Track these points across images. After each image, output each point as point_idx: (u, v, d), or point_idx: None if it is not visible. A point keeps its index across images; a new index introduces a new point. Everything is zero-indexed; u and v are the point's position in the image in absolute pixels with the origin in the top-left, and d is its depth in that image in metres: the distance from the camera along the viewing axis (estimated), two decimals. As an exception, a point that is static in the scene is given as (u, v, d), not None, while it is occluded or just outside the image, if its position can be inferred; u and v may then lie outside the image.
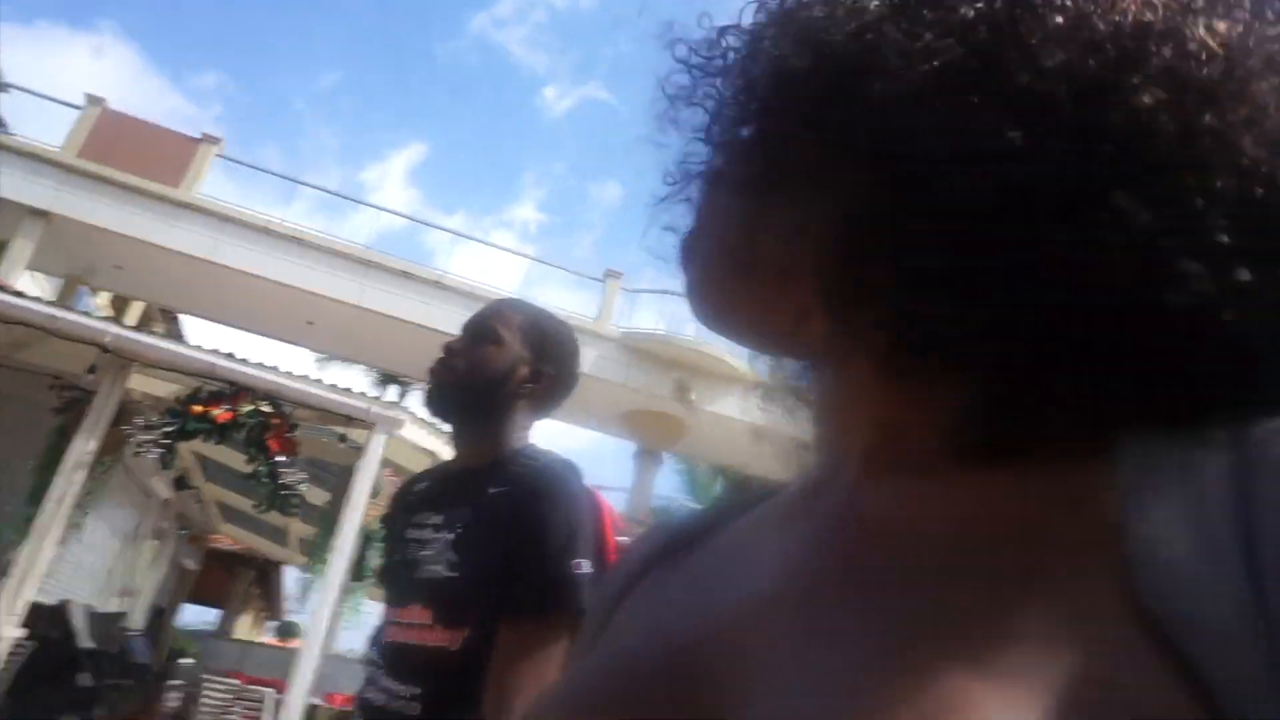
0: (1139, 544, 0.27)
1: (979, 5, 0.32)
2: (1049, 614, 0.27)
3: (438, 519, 1.48)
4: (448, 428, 1.62)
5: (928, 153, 0.31)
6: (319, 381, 7.44)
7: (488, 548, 1.40)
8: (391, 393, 19.27)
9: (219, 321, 13.74)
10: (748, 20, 0.41)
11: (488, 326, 1.59)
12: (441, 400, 1.57)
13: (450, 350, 1.59)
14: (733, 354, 13.72)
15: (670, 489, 19.62)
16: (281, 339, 13.80)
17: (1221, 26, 0.30)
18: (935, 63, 0.32)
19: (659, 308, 14.61)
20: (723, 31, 0.42)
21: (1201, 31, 0.30)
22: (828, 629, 0.31)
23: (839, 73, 0.34)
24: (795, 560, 0.36)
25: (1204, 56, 0.29)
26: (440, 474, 1.68)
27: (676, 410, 13.69)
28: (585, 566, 1.34)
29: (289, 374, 6.90)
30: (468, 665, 1.33)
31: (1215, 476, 0.27)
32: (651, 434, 14.57)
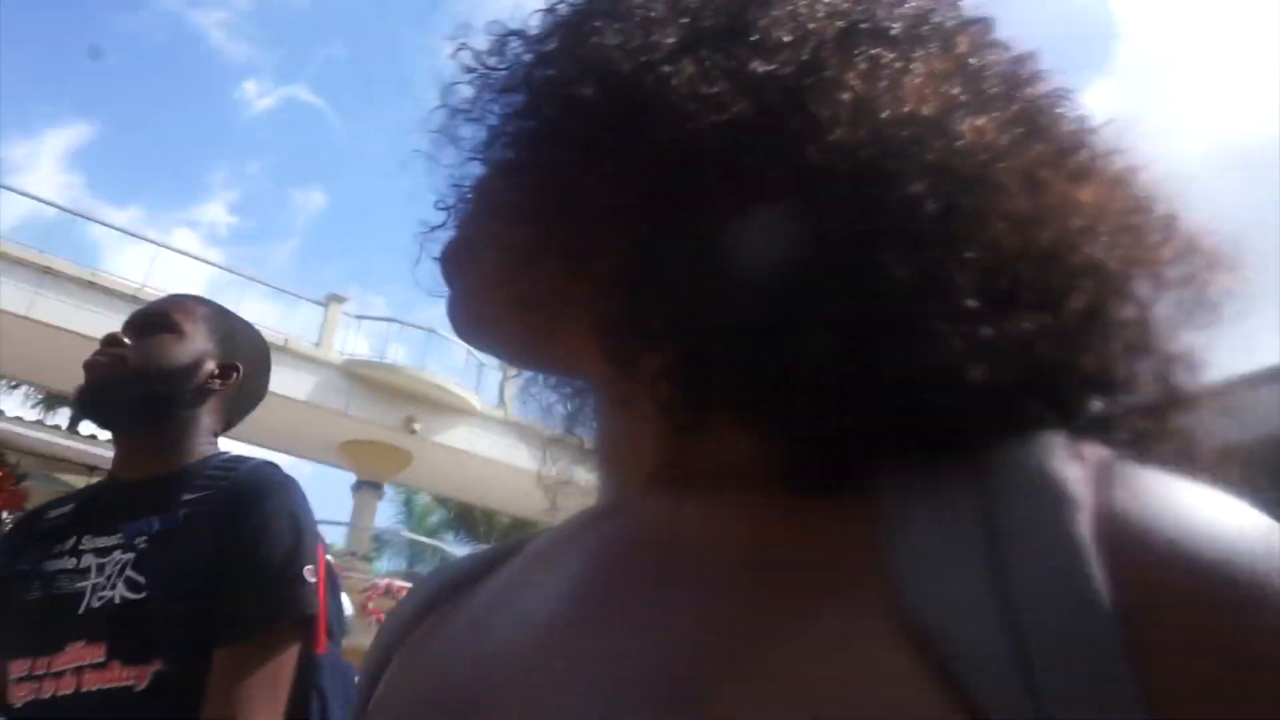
0: (903, 568, 0.28)
1: (771, 66, 0.33)
2: (816, 633, 0.28)
3: (104, 540, 1.22)
4: (108, 434, 1.37)
5: (708, 203, 0.33)
6: (55, 428, 6.44)
7: (188, 560, 1.16)
8: (62, 417, 16.86)
9: None
10: (532, 27, 0.41)
11: (163, 316, 1.35)
12: (104, 399, 1.30)
13: (113, 341, 1.31)
14: (461, 386, 13.60)
15: (391, 520, 18.92)
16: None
17: (980, 122, 0.33)
18: (724, 116, 0.33)
19: (384, 334, 14.15)
20: (505, 40, 0.41)
21: (965, 126, 0.33)
22: (595, 657, 0.32)
23: (627, 106, 0.35)
24: (565, 595, 0.36)
25: (966, 150, 0.32)
26: (97, 493, 1.39)
27: (400, 441, 13.28)
28: (313, 575, 1.16)
29: (17, 419, 5.93)
30: (159, 706, 1.10)
31: (967, 505, 0.29)
32: (372, 465, 13.99)
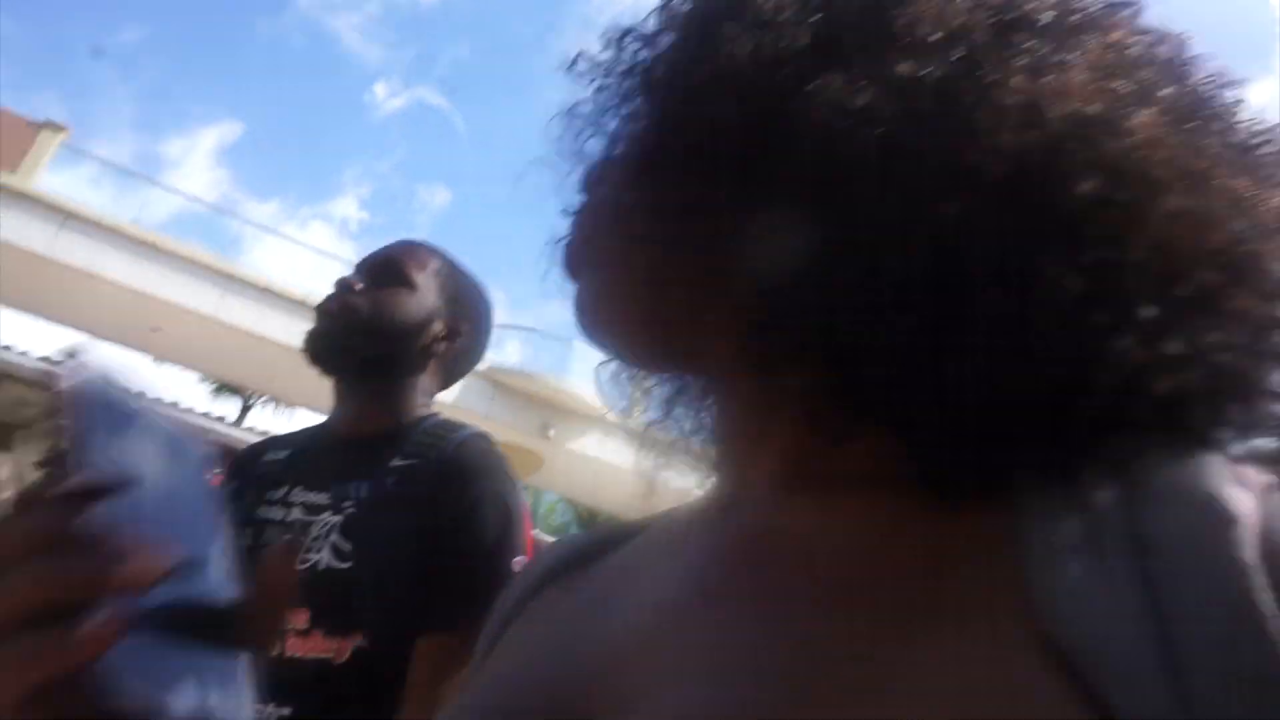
0: (1048, 586, 0.27)
1: (924, 69, 0.31)
2: (955, 647, 0.27)
3: (316, 497, 1.17)
4: (331, 381, 1.31)
5: (863, 213, 0.31)
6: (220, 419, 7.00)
7: (394, 534, 1.10)
8: (231, 406, 18.32)
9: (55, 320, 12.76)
10: (650, 28, 0.39)
11: (398, 266, 1.30)
12: (333, 345, 1.26)
13: (348, 287, 1.28)
14: (594, 395, 13.84)
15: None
16: (125, 343, 12.99)
17: (1148, 116, 0.31)
18: (877, 129, 0.31)
19: (523, 343, 14.74)
20: (623, 40, 0.40)
21: (1135, 122, 0.30)
22: (721, 655, 0.31)
23: (770, 123, 0.33)
24: (690, 584, 0.36)
25: (1137, 147, 0.30)
26: (312, 441, 1.32)
27: (534, 444, 13.79)
28: (522, 566, 1.04)
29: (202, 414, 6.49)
30: (358, 682, 1.04)
31: (1118, 523, 0.28)
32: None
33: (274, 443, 1.37)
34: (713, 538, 0.38)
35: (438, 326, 1.30)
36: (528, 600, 0.45)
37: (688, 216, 0.36)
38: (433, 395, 1.32)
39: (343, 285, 1.28)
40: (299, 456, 1.28)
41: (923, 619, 0.29)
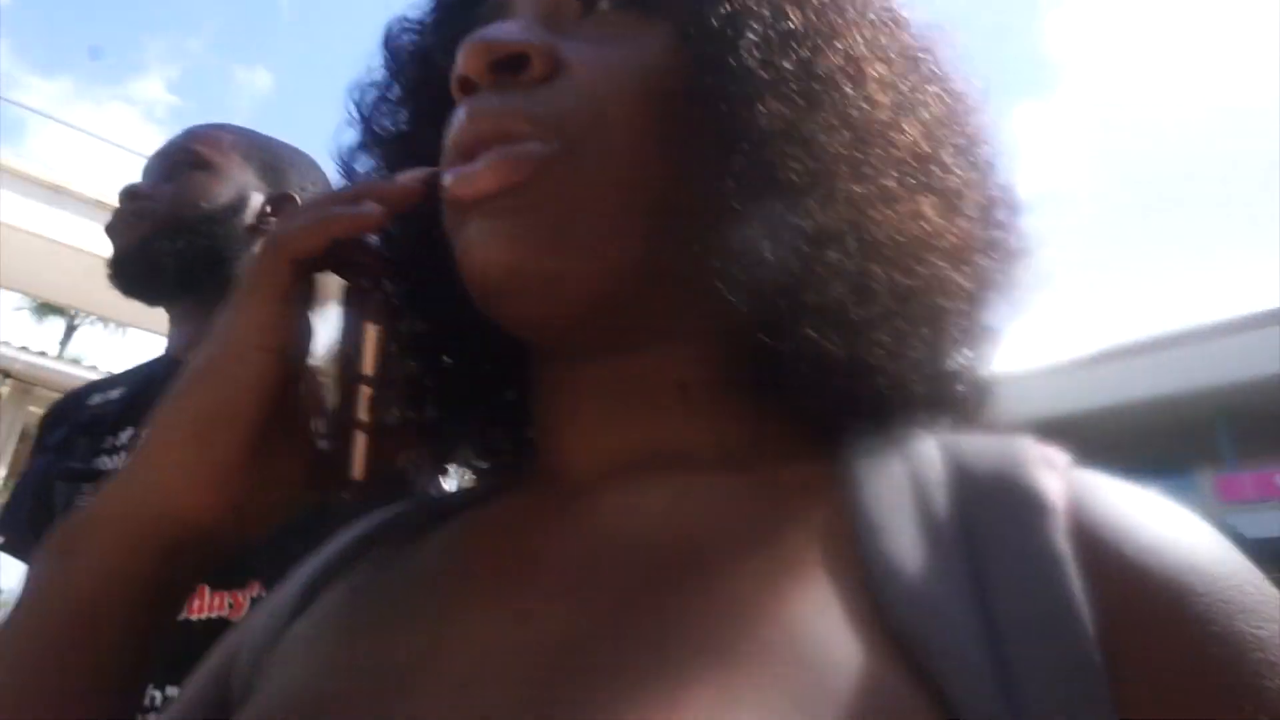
0: (879, 567, 0.28)
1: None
2: (796, 619, 0.28)
3: None
4: (157, 308, 1.13)
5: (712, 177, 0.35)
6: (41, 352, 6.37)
7: None
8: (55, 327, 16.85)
9: None
10: None
11: (186, 153, 1.12)
12: (138, 266, 1.07)
13: (133, 194, 1.10)
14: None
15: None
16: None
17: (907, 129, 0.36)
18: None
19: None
20: None
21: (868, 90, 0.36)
22: (553, 642, 0.31)
23: None
24: (510, 580, 0.35)
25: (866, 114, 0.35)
26: (150, 376, 1.13)
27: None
28: None
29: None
30: None
31: (943, 505, 0.30)
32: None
33: (99, 385, 1.17)
34: (537, 530, 0.37)
35: (257, 200, 1.10)
36: (339, 568, 0.43)
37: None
38: None
39: (127, 194, 1.09)
40: (137, 395, 1.08)
41: (778, 588, 0.29)
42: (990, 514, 0.29)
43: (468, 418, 0.46)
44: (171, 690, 0.86)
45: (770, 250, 0.33)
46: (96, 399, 1.14)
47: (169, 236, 1.07)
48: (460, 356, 0.45)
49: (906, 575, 0.28)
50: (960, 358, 0.38)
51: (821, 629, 0.27)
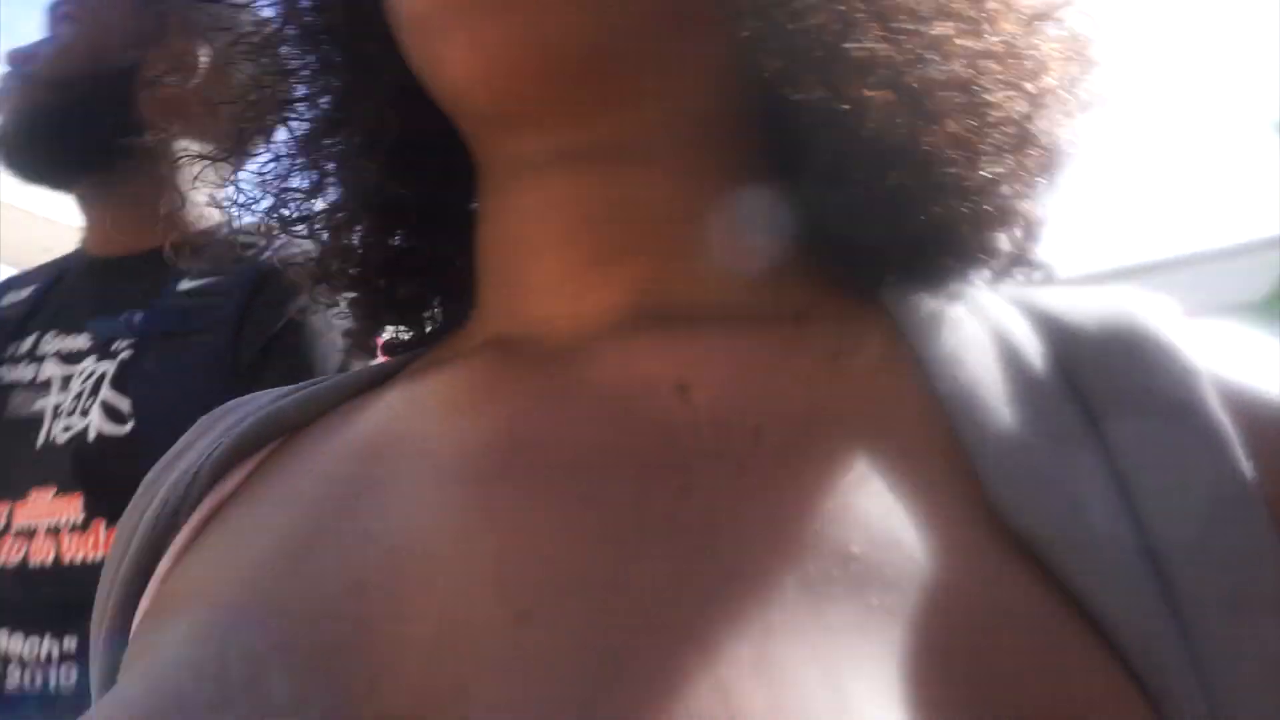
0: (980, 449, 0.22)
1: None
2: (892, 513, 0.21)
3: (72, 342, 0.86)
4: (63, 195, 0.97)
5: None
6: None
7: (193, 374, 0.79)
8: None
9: None
10: None
11: (53, 11, 0.93)
12: (23, 135, 0.91)
13: (17, 58, 0.93)
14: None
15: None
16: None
17: None
18: None
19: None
20: None
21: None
22: (581, 554, 0.22)
23: None
24: (495, 471, 0.25)
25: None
26: (59, 273, 0.97)
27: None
28: None
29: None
30: None
31: (1050, 373, 0.24)
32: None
33: (12, 282, 0.99)
34: (515, 404, 0.27)
35: (152, 57, 0.90)
36: (207, 485, 0.31)
37: None
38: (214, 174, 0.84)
39: (9, 57, 0.93)
40: (46, 294, 0.93)
41: (854, 480, 0.22)
42: (1114, 380, 0.23)
43: (387, 264, 0.36)
44: (55, 642, 0.77)
45: None
46: (9, 298, 0.96)
47: (53, 105, 0.88)
48: (370, 170, 0.34)
49: (1021, 462, 0.22)
50: (1023, 211, 0.30)
51: (931, 539, 0.21)
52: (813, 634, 0.19)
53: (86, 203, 0.96)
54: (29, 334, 0.89)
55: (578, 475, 0.24)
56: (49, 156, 0.92)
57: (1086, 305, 0.25)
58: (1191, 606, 0.20)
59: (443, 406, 0.29)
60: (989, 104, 0.27)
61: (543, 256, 0.30)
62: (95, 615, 0.33)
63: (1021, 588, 0.20)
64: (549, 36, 0.25)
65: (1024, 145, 0.29)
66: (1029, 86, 0.28)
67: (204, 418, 0.36)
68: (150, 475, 0.34)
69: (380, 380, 0.33)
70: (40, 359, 0.87)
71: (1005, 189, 0.29)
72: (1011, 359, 0.24)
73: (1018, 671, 0.19)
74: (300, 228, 0.36)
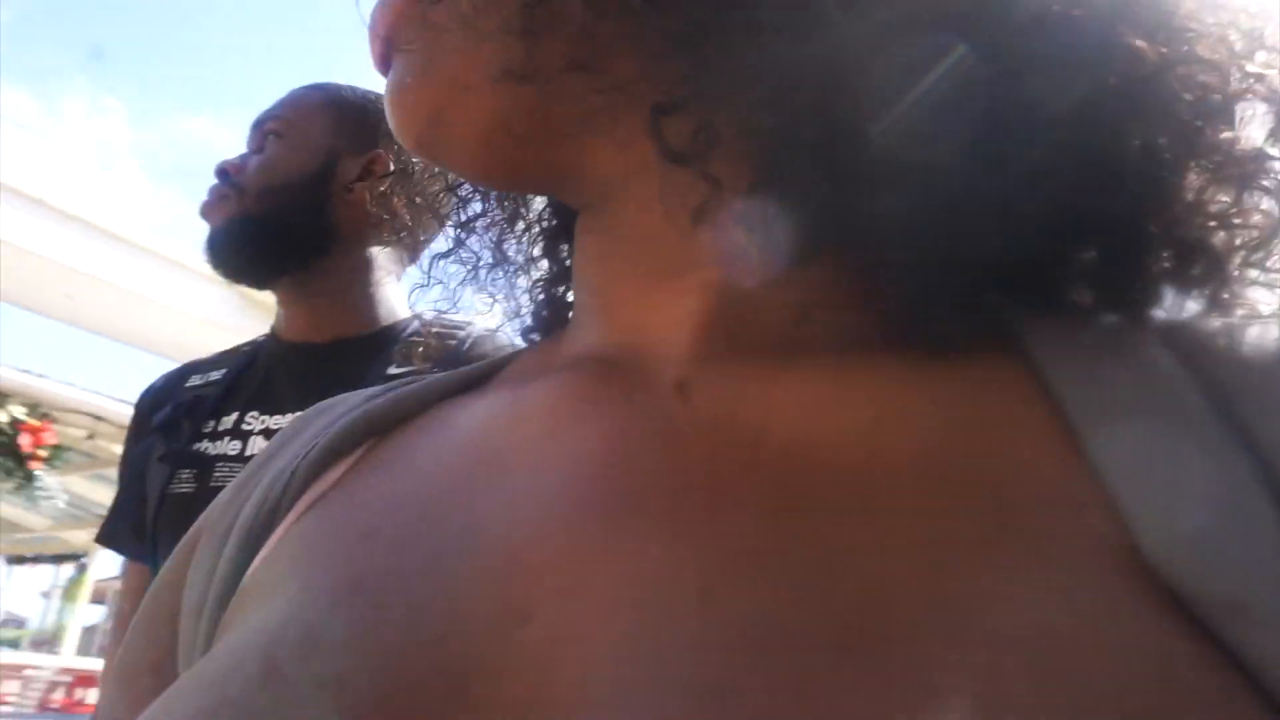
0: (1136, 497, 0.20)
1: None
2: (1045, 578, 0.19)
3: (279, 421, 0.95)
4: (261, 293, 1.09)
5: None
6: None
7: None
8: None
9: None
10: None
11: (272, 120, 1.06)
12: (228, 245, 1.02)
13: (221, 171, 1.05)
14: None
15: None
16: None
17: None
18: None
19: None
20: None
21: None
22: (690, 601, 0.20)
23: None
24: (608, 488, 0.24)
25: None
26: (254, 357, 1.09)
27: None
28: None
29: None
30: None
31: (1188, 409, 0.21)
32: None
33: (199, 365, 1.14)
34: (620, 421, 0.26)
35: (346, 166, 1.04)
36: (305, 481, 0.31)
37: None
38: (401, 269, 1.10)
39: (218, 171, 1.06)
40: (243, 376, 1.06)
41: (990, 538, 0.20)
42: (1267, 415, 0.21)
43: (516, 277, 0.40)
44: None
45: None
46: (195, 380, 1.10)
47: (257, 220, 1.03)
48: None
49: (1177, 515, 0.19)
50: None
51: (1081, 597, 0.19)
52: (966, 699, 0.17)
53: (285, 294, 1.07)
54: (230, 412, 1.01)
55: (691, 504, 0.23)
56: (254, 260, 1.04)
57: (1247, 340, 0.23)
58: None
59: (549, 417, 0.28)
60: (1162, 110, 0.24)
61: (618, 278, 0.30)
62: (186, 619, 0.31)
63: (1195, 659, 0.18)
64: (478, 146, 0.29)
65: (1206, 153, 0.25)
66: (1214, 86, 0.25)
67: (297, 418, 0.37)
68: (242, 475, 0.35)
69: (469, 385, 0.34)
70: (245, 435, 0.97)
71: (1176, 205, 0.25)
72: (1162, 398, 0.22)
73: None
74: (483, 294, 0.40)
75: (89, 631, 16.81)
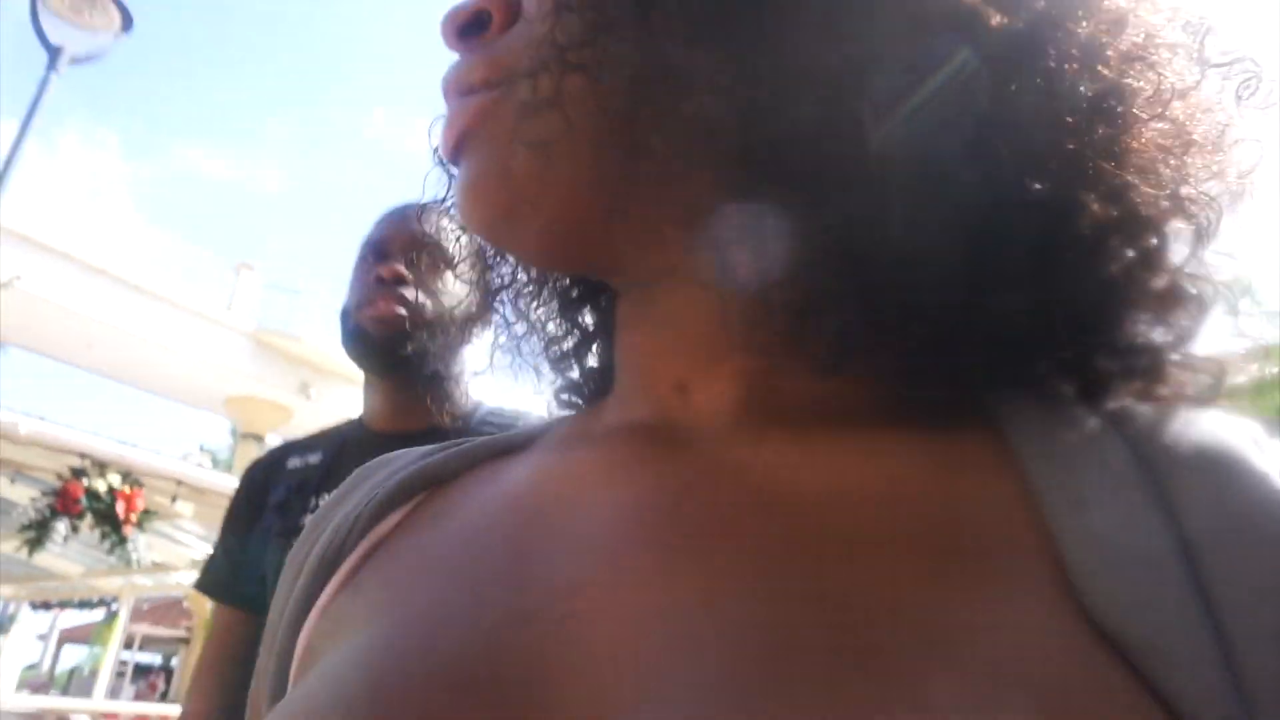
0: (1066, 528, 0.25)
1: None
2: (992, 607, 0.24)
3: None
4: (378, 380, 1.22)
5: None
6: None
7: None
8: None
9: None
10: None
11: (440, 250, 1.01)
12: (389, 349, 1.15)
13: (399, 280, 1.17)
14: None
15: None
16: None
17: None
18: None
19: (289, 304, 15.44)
20: None
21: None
22: (727, 619, 0.25)
23: None
24: (653, 531, 0.29)
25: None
26: (347, 441, 1.23)
27: (287, 400, 14.70)
28: None
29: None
30: None
31: (1120, 460, 0.26)
32: (253, 419, 15.31)
33: (295, 447, 1.28)
34: (661, 478, 0.31)
35: (473, 301, 1.00)
36: (367, 526, 0.36)
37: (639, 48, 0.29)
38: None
39: (392, 275, 1.17)
40: (340, 458, 1.18)
41: (952, 573, 0.25)
42: (1204, 496, 0.25)
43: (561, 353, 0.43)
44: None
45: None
46: (295, 461, 1.22)
47: (424, 334, 1.14)
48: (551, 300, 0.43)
49: (1113, 561, 0.24)
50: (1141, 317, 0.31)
51: (1028, 629, 0.23)
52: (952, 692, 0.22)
53: (381, 386, 1.23)
54: (325, 492, 1.09)
55: (724, 548, 0.27)
56: (391, 363, 1.19)
57: (1183, 427, 0.27)
58: (1261, 700, 0.21)
59: (596, 475, 0.33)
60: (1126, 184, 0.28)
61: (662, 358, 0.34)
62: (265, 638, 0.37)
63: (1109, 675, 0.22)
64: (547, 239, 0.33)
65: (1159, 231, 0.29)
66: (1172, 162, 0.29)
67: (359, 469, 0.42)
68: (314, 518, 0.40)
69: (516, 447, 0.38)
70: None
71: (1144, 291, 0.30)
72: (1108, 471, 0.26)
73: None
74: (536, 372, 0.43)
75: (119, 677, 17.14)
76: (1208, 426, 0.27)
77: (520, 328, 0.43)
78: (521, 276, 0.42)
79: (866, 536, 0.27)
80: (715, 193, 0.30)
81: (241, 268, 14.98)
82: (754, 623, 0.25)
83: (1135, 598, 0.23)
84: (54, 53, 4.43)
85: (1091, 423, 0.28)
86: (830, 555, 0.26)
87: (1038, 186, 0.28)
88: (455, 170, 0.35)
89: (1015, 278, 0.28)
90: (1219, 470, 0.26)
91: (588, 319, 0.43)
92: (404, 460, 0.40)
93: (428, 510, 0.36)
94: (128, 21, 4.56)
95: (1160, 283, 0.30)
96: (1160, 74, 0.29)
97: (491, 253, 0.43)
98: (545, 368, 0.43)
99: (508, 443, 0.39)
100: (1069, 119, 0.28)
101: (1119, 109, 0.28)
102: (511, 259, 0.42)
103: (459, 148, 0.34)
